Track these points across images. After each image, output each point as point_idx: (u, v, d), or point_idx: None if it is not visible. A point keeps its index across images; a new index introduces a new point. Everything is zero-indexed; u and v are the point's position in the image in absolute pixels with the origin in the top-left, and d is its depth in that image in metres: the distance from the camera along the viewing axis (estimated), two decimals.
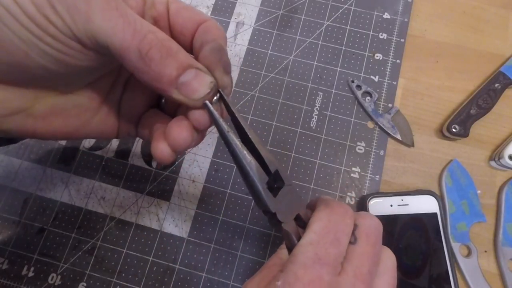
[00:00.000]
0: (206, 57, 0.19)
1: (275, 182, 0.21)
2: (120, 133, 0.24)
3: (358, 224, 0.22)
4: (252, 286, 0.21)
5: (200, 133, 0.21)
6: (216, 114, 0.19)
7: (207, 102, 0.19)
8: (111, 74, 0.23)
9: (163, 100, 0.25)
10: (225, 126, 0.19)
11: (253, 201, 0.36)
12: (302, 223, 0.22)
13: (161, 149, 0.20)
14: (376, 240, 0.22)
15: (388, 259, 0.22)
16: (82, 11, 0.16)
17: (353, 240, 0.21)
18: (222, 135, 0.20)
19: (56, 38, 0.17)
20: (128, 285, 0.34)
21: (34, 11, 0.16)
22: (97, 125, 0.22)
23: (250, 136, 0.20)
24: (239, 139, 0.20)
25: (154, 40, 0.17)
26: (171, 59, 0.17)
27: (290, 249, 0.21)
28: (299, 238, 0.20)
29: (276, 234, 0.35)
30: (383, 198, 0.35)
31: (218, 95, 0.20)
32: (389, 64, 0.40)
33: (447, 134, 0.37)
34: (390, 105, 0.39)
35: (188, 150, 0.37)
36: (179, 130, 0.20)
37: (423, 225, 0.34)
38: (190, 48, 0.21)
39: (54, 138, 0.21)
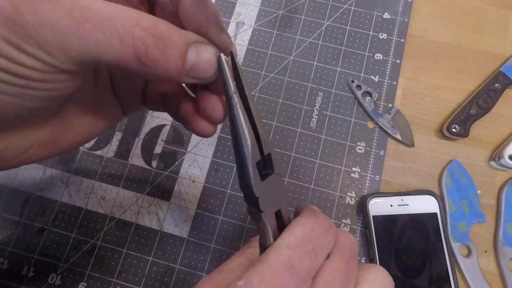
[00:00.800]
0: (189, 16, 0.17)
1: (265, 166, 0.19)
2: (127, 112, 0.23)
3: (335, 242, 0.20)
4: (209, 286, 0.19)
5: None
6: (227, 72, 0.18)
7: (222, 56, 0.17)
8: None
9: None
10: (232, 87, 0.18)
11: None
12: (281, 223, 0.20)
13: (204, 128, 0.20)
14: (351, 257, 0.20)
15: (375, 282, 0.20)
16: (53, 42, 0.14)
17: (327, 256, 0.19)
18: (227, 95, 0.18)
19: (40, 80, 0.15)
20: (128, 285, 0.34)
21: (6, 63, 0.13)
22: (103, 119, 0.21)
23: (252, 109, 0.18)
24: (243, 107, 0.18)
25: (146, 37, 0.15)
26: (170, 49, 0.16)
27: (263, 246, 0.19)
28: (275, 237, 0.19)
29: None
30: (383, 198, 0.35)
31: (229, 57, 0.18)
32: (389, 64, 0.40)
33: (447, 134, 0.37)
34: (390, 105, 0.39)
35: None
36: (214, 106, 0.20)
37: (423, 225, 0.34)
38: None
39: (71, 150, 0.21)
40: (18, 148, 0.18)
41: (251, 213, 0.19)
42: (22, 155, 0.18)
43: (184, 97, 0.21)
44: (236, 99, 0.18)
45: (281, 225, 0.20)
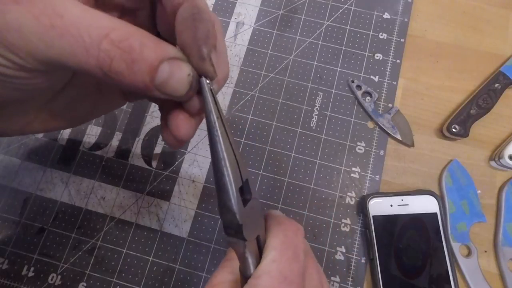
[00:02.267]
0: (179, 32, 0.17)
1: (245, 192, 0.18)
2: (129, 98, 0.24)
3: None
4: None
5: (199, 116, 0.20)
6: (209, 97, 0.17)
7: (203, 80, 0.17)
8: None
9: None
10: (214, 112, 0.17)
11: None
12: (259, 245, 0.19)
13: (170, 141, 0.20)
14: (310, 252, 0.22)
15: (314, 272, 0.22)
16: (19, 43, 0.14)
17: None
18: (208, 120, 0.17)
19: (8, 75, 0.15)
20: (128, 285, 0.34)
21: None
22: (103, 104, 0.22)
23: (229, 135, 0.18)
24: (224, 130, 0.17)
25: (112, 50, 0.15)
26: (138, 64, 0.15)
27: (244, 275, 0.19)
28: (257, 263, 0.18)
29: None
30: (383, 198, 0.35)
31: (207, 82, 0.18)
32: (389, 64, 0.40)
33: (447, 134, 0.37)
34: (390, 105, 0.39)
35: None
36: (177, 126, 0.19)
37: (423, 225, 0.34)
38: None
39: (73, 126, 0.22)
40: (20, 123, 0.19)
41: (233, 244, 0.18)
42: (24, 127, 0.20)
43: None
44: (218, 125, 0.17)
45: (259, 245, 0.19)
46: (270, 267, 0.18)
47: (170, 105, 0.20)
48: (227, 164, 0.17)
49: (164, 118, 0.20)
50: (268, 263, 0.18)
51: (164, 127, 0.20)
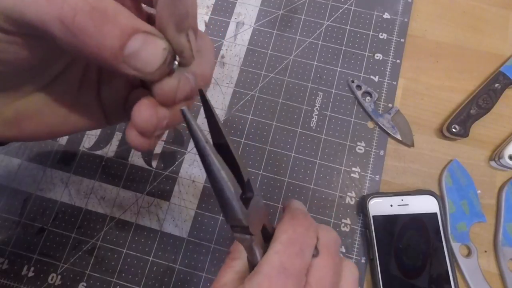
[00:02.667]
0: (157, 12, 0.16)
1: (247, 192, 0.19)
2: (110, 120, 0.22)
3: (319, 237, 0.21)
4: None
5: (174, 107, 0.18)
6: (193, 121, 0.16)
7: (185, 109, 0.16)
8: (78, 61, 0.20)
9: None
10: (202, 136, 0.16)
11: None
12: (265, 232, 0.20)
13: (131, 137, 0.18)
14: (336, 252, 0.21)
15: (350, 273, 0.22)
16: None
17: (315, 253, 0.20)
18: (198, 146, 0.16)
19: None
20: (128, 285, 0.34)
21: None
22: (78, 119, 0.20)
23: (226, 139, 0.18)
24: (216, 152, 0.17)
25: (80, 3, 0.13)
26: (109, 26, 0.14)
27: (252, 264, 0.20)
28: (264, 250, 0.19)
29: None
30: (383, 198, 0.35)
31: (177, 58, 0.17)
32: (389, 64, 0.40)
33: (447, 134, 0.37)
34: (390, 105, 0.39)
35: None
36: (139, 110, 0.17)
37: (423, 225, 0.34)
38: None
39: (34, 139, 0.19)
40: None
41: (240, 239, 0.19)
42: None
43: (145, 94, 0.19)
44: (208, 148, 0.16)
45: (265, 233, 0.20)
46: (273, 257, 0.18)
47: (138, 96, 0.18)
48: (225, 182, 0.17)
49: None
50: (271, 254, 0.18)
51: (129, 124, 0.18)
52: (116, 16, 0.14)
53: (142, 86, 0.21)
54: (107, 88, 0.21)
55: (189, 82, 0.17)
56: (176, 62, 0.17)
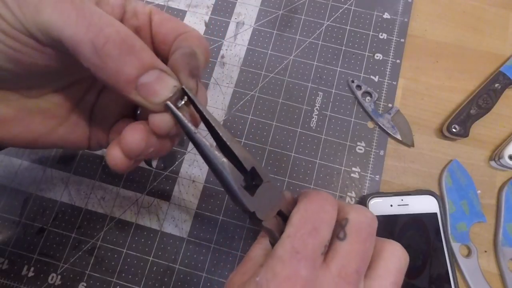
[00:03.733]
0: (174, 60, 0.19)
1: (253, 179, 0.20)
2: (92, 144, 0.23)
3: (349, 219, 0.20)
4: (236, 279, 0.21)
5: (163, 139, 0.20)
6: (180, 115, 0.18)
7: (169, 103, 0.18)
8: (85, 81, 0.22)
9: (138, 111, 0.23)
10: (191, 127, 0.18)
11: None
12: (284, 217, 0.21)
13: (113, 155, 0.19)
14: (368, 236, 0.20)
15: (391, 259, 0.20)
16: (32, 3, 0.15)
17: (342, 236, 0.20)
18: (190, 136, 0.19)
19: (7, 33, 0.16)
20: (128, 285, 0.34)
21: None
22: (64, 134, 0.21)
23: (221, 135, 0.19)
24: (209, 140, 0.19)
25: (113, 35, 0.16)
26: (132, 57, 0.16)
27: (273, 244, 0.20)
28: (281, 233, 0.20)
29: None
30: (383, 198, 0.35)
31: (185, 97, 0.19)
32: (389, 64, 0.40)
33: (447, 134, 0.37)
34: (390, 105, 0.39)
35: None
36: (132, 132, 0.18)
37: (423, 225, 0.34)
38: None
39: (13, 145, 0.20)
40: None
41: (253, 223, 0.20)
42: None
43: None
44: (199, 137, 0.18)
45: (285, 219, 0.21)
46: (285, 242, 0.19)
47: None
48: (222, 169, 0.18)
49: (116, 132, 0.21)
50: (283, 238, 0.19)
51: (113, 144, 0.19)
52: (141, 52, 0.17)
53: (134, 117, 0.23)
54: (101, 110, 0.22)
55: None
56: (183, 102, 0.19)
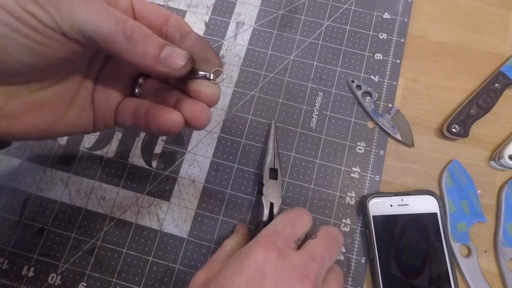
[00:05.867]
0: (195, 44, 0.23)
1: (272, 175, 0.34)
2: (97, 126, 0.25)
3: (320, 229, 0.28)
4: (200, 279, 0.26)
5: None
6: (272, 134, 0.37)
7: (273, 121, 0.37)
8: (81, 68, 0.24)
9: (136, 90, 0.26)
10: (272, 136, 0.37)
11: (253, 201, 0.36)
12: (271, 214, 0.32)
13: (206, 111, 0.24)
14: (333, 241, 0.27)
15: (336, 276, 0.27)
16: (66, 4, 0.18)
17: (313, 237, 0.27)
18: (268, 138, 0.37)
19: (37, 30, 0.18)
20: (128, 285, 0.34)
21: (14, 6, 0.17)
22: (72, 119, 0.23)
23: (276, 144, 0.37)
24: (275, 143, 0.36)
25: (134, 25, 0.20)
26: (151, 39, 0.20)
27: (257, 221, 0.33)
28: (267, 216, 0.32)
29: None
30: (383, 198, 0.35)
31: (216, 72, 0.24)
32: (389, 64, 0.40)
33: (447, 134, 0.37)
34: (390, 105, 0.39)
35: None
36: (204, 110, 0.24)
37: (423, 225, 0.34)
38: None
39: (29, 137, 0.22)
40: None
41: (258, 199, 0.33)
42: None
43: (137, 102, 0.25)
44: (272, 140, 0.36)
45: (270, 215, 0.32)
46: (270, 226, 0.27)
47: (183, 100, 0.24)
48: (269, 156, 0.35)
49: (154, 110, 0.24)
50: (269, 225, 0.27)
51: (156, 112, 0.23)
52: (153, 35, 0.21)
53: (133, 95, 0.26)
54: (101, 94, 0.25)
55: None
56: (215, 78, 0.24)
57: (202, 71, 0.23)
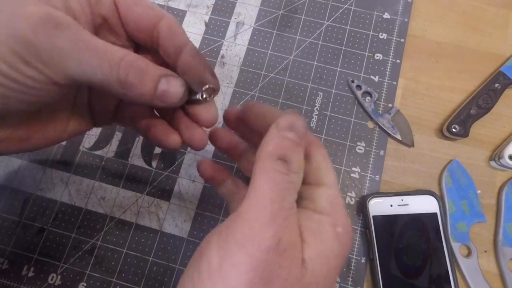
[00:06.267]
0: (189, 62, 0.21)
1: None
2: (97, 125, 0.26)
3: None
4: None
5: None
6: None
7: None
8: (73, 89, 0.24)
9: None
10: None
11: None
12: None
13: (202, 134, 0.24)
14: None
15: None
16: (57, 61, 0.18)
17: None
18: None
19: (33, 87, 0.18)
20: (128, 285, 0.34)
21: (6, 69, 0.17)
22: (74, 128, 0.24)
23: None
24: None
25: (128, 66, 0.19)
26: (146, 77, 0.20)
27: None
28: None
29: None
30: (383, 198, 0.35)
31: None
32: (389, 64, 0.40)
33: (447, 134, 0.37)
34: (390, 105, 0.39)
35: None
36: (201, 135, 0.24)
37: (423, 225, 0.34)
38: (150, 44, 0.23)
39: (39, 149, 0.23)
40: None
41: None
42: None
43: (153, 120, 0.25)
44: None
45: None
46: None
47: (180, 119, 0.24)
48: None
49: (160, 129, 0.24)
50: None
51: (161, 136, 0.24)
52: (148, 69, 0.20)
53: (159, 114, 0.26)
54: (97, 101, 0.25)
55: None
56: (207, 97, 0.22)
57: (197, 94, 0.22)
